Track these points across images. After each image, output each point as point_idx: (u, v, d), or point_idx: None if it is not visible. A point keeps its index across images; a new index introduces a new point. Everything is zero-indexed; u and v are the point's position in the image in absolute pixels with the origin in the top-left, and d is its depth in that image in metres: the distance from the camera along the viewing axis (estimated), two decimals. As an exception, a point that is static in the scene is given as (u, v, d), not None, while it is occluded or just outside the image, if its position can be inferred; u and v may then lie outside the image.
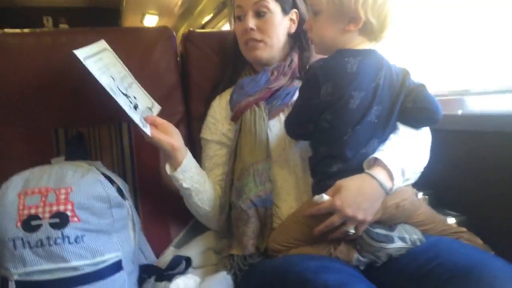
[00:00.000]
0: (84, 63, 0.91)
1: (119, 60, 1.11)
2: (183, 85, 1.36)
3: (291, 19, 1.18)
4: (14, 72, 1.16)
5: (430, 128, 1.02)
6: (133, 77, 1.13)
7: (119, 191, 1.04)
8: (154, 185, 1.22)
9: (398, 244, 0.89)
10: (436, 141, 1.01)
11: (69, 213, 0.92)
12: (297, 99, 0.98)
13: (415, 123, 0.97)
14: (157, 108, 1.16)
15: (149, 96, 1.15)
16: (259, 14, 1.12)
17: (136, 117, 0.98)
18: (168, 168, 1.07)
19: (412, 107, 0.94)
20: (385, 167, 0.88)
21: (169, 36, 1.33)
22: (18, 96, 1.17)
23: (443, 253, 0.82)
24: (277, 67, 1.15)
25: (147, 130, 1.00)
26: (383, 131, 0.93)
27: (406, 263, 0.86)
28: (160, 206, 1.23)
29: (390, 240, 0.89)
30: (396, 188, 0.89)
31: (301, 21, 1.18)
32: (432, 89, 0.98)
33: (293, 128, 1.00)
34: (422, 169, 0.96)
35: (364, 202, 0.87)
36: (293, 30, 1.19)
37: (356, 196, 0.86)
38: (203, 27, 4.34)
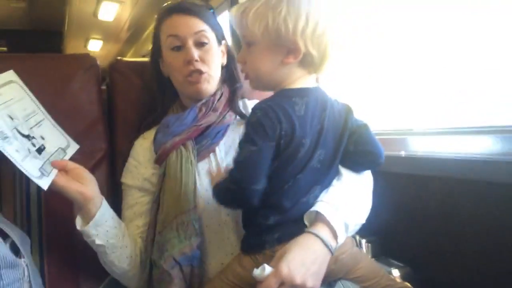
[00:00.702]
0: None
1: (29, 93, 0.98)
2: (108, 120, 1.23)
3: (222, 51, 1.10)
4: None
5: (372, 170, 0.95)
6: (45, 113, 1.00)
7: (13, 247, 0.87)
8: (64, 238, 1.04)
9: (337, 302, 0.79)
10: (378, 183, 0.94)
11: None
12: (242, 150, 0.78)
13: (357, 167, 0.90)
14: (73, 147, 1.02)
15: (65, 134, 1.02)
16: (200, 44, 1.03)
17: (29, 165, 0.86)
18: (78, 222, 0.93)
19: (354, 150, 0.87)
20: (327, 224, 0.78)
21: (92, 65, 1.19)
22: None
23: None
24: (206, 102, 1.05)
25: (45, 181, 0.87)
26: (325, 177, 0.84)
27: None
28: (70, 263, 1.05)
29: (329, 299, 0.79)
30: (339, 243, 0.79)
31: (228, 52, 1.12)
32: (373, 127, 0.90)
33: (242, 191, 0.77)
34: (364, 220, 0.87)
35: (312, 265, 0.75)
36: (225, 61, 1.10)
37: (303, 259, 0.75)
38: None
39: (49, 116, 1.00)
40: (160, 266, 0.90)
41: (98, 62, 1.21)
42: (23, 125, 0.91)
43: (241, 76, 0.96)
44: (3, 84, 0.92)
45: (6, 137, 0.84)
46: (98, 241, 0.93)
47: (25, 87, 0.97)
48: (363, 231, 0.91)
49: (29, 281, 0.89)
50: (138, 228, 1.02)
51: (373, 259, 1.10)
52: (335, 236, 0.78)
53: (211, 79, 1.04)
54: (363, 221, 0.87)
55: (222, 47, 1.10)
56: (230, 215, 0.97)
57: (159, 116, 1.09)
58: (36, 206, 1.05)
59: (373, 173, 0.95)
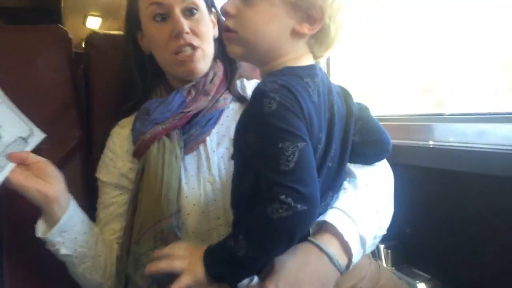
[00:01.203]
0: None
1: None
2: (85, 103, 1.06)
3: (212, 21, 0.92)
4: None
5: (391, 162, 0.78)
6: (2, 94, 0.83)
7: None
8: (29, 245, 0.86)
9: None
10: (401, 178, 0.78)
11: None
12: (283, 153, 0.55)
13: (367, 160, 0.74)
14: (37, 137, 0.85)
15: (27, 121, 0.85)
16: (190, 13, 0.85)
17: None
18: (40, 227, 0.77)
19: (360, 140, 0.71)
20: (339, 237, 0.62)
21: (62, 38, 1.01)
22: None
23: None
24: (196, 84, 0.87)
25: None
26: (337, 178, 0.67)
27: None
28: (36, 274, 0.88)
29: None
30: (354, 264, 0.63)
31: (220, 22, 0.92)
32: (396, 112, 0.73)
33: (314, 206, 0.55)
34: (385, 231, 0.70)
35: (308, 285, 0.59)
36: (216, 34, 0.92)
37: (298, 278, 0.59)
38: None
39: (6, 98, 0.83)
40: (135, 283, 0.75)
41: (70, 35, 1.03)
42: None
43: None
44: None
45: None
46: (64, 251, 0.78)
47: None
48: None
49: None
50: (114, 233, 0.86)
51: (393, 269, 0.94)
52: (347, 252, 0.62)
53: (206, 55, 0.87)
54: (384, 231, 0.70)
55: (212, 16, 0.92)
56: (221, 218, 0.80)
57: (140, 101, 0.92)
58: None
59: (394, 166, 0.78)
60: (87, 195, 0.94)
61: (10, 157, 0.75)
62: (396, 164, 0.79)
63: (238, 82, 0.96)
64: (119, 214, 0.87)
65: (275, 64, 0.64)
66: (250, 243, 0.54)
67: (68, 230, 0.78)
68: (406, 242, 0.94)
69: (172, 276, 0.73)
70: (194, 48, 0.84)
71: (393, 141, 0.93)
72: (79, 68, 1.06)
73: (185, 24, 0.83)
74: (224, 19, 0.66)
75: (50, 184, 0.76)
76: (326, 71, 1.35)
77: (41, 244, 0.81)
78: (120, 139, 0.91)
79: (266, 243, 0.55)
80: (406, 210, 0.80)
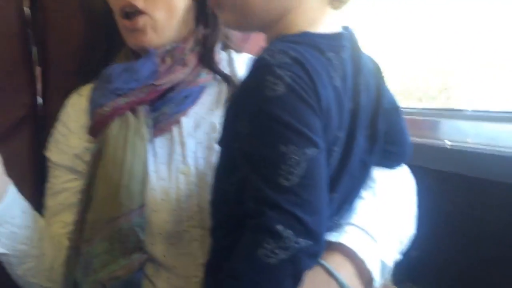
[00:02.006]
0: None
1: None
2: (36, 62, 0.87)
3: None
4: None
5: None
6: None
7: None
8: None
9: None
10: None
11: None
12: (288, 159, 0.41)
13: (386, 163, 0.59)
14: None
15: None
16: None
17: None
18: None
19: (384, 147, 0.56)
20: (353, 258, 0.49)
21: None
22: None
23: None
24: (172, 50, 0.70)
25: None
26: (356, 190, 0.53)
27: None
28: None
29: None
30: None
31: None
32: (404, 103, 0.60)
33: (319, 228, 0.42)
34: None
35: None
36: None
37: None
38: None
39: None
40: None
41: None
42: None
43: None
44: None
45: None
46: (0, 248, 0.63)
47: None
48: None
49: None
50: (65, 226, 0.71)
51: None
52: (364, 276, 0.49)
53: (158, 24, 0.68)
54: (402, 252, 0.57)
55: None
56: (195, 218, 0.66)
57: (103, 62, 0.74)
58: None
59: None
60: (37, 179, 0.78)
61: None
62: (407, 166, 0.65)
63: (223, 55, 0.79)
64: (71, 204, 0.71)
65: (285, 25, 0.48)
66: None
67: (4, 223, 0.62)
68: (412, 257, 0.81)
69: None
70: (140, 14, 0.66)
71: None
72: (30, 22, 0.86)
73: None
74: None
75: None
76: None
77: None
78: (76, 110, 0.74)
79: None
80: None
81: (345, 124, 0.47)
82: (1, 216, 0.62)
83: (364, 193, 0.54)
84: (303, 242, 0.38)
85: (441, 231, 0.81)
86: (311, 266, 0.41)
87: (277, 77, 0.41)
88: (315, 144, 0.41)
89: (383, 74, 0.55)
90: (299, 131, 0.40)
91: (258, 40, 0.59)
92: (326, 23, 0.49)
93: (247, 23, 0.51)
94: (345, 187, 0.49)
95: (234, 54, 0.80)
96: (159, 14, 0.68)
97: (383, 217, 0.53)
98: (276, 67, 0.41)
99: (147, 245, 0.63)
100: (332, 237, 0.49)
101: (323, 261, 0.48)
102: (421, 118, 0.92)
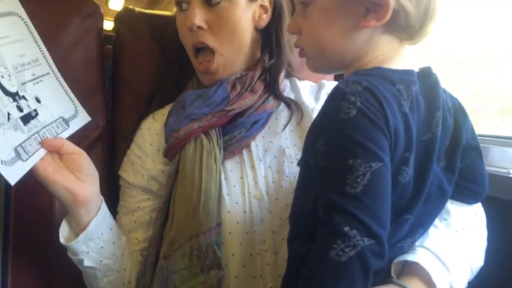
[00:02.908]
0: None
1: (35, 33, 0.71)
2: (111, 88, 0.94)
3: (262, 6, 0.77)
4: None
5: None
6: (53, 65, 0.73)
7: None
8: (37, 242, 0.76)
9: None
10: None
11: None
12: (354, 171, 0.45)
13: (462, 199, 0.61)
14: (82, 119, 0.75)
15: (74, 99, 0.75)
16: (208, 2, 0.71)
17: (1, 142, 0.59)
18: (63, 233, 0.66)
19: (460, 183, 0.58)
20: (428, 281, 0.50)
21: (92, 12, 0.89)
22: None
23: None
24: (241, 78, 0.75)
25: (17, 168, 0.60)
26: (432, 214, 0.55)
27: None
28: (43, 276, 0.77)
29: None
30: None
31: (276, 10, 0.78)
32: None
33: (381, 237, 0.45)
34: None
35: None
36: (263, 23, 0.78)
37: None
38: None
39: (57, 71, 0.73)
40: None
41: (101, 10, 0.91)
42: (13, 77, 0.65)
43: (288, 46, 0.69)
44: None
45: None
46: (88, 262, 0.67)
47: (30, 23, 0.70)
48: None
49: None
50: (138, 243, 0.75)
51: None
52: None
53: (227, 62, 0.74)
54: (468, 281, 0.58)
55: (261, 1, 0.77)
56: (267, 242, 0.68)
57: (176, 89, 0.80)
58: (3, 198, 0.78)
59: None
60: (110, 195, 0.82)
61: (43, 144, 0.64)
62: None
63: (286, 83, 0.83)
64: (144, 222, 0.75)
65: (361, 64, 0.54)
66: None
67: (94, 238, 0.67)
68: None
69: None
70: (207, 47, 0.73)
71: None
72: (104, 49, 0.93)
73: (198, 16, 0.71)
74: None
75: (82, 182, 0.65)
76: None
77: (51, 247, 0.70)
78: (151, 134, 0.79)
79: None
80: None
81: (418, 150, 0.50)
82: (93, 232, 0.66)
83: (439, 223, 0.56)
84: (366, 240, 0.43)
85: (501, 256, 0.80)
86: (377, 265, 0.44)
87: (351, 102, 0.46)
88: (380, 159, 0.45)
89: (465, 113, 0.58)
90: (367, 147, 0.45)
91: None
92: (398, 60, 0.54)
93: (329, 67, 0.59)
94: (420, 211, 0.52)
95: (297, 81, 0.84)
96: (228, 51, 0.73)
97: (455, 247, 0.55)
98: (350, 95, 0.47)
99: (225, 263, 0.66)
100: (409, 257, 0.51)
101: (403, 283, 0.50)
102: (486, 145, 0.92)
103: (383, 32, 0.53)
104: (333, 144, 0.47)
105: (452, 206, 0.57)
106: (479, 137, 0.62)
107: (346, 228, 0.43)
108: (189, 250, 0.64)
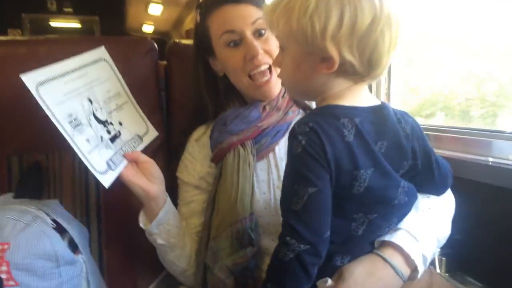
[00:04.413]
0: (34, 92, 0.76)
1: (117, 73, 0.94)
2: (166, 106, 1.19)
3: None
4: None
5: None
6: (130, 95, 0.96)
7: (71, 243, 0.88)
8: (123, 227, 1.04)
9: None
10: (458, 191, 0.84)
11: (3, 275, 0.76)
12: (296, 194, 0.63)
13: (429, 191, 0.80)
14: (151, 135, 0.98)
15: (146, 119, 0.98)
16: (259, 34, 0.91)
17: (96, 158, 0.82)
18: (141, 220, 0.92)
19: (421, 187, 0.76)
20: (401, 252, 0.70)
21: (149, 49, 1.14)
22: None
23: None
24: (270, 102, 0.95)
25: (109, 176, 0.83)
26: (405, 210, 0.74)
27: None
28: (128, 252, 1.06)
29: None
30: (418, 275, 0.71)
31: None
32: (457, 124, 0.78)
33: (316, 246, 0.63)
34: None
35: None
36: None
37: (364, 285, 0.68)
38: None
39: (132, 98, 0.96)
40: (214, 274, 0.86)
41: (156, 46, 1.15)
42: (103, 109, 0.88)
43: None
44: (92, 63, 0.89)
45: (78, 125, 0.81)
46: (159, 241, 0.92)
47: (114, 66, 0.94)
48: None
49: (87, 277, 0.89)
50: (195, 227, 0.98)
51: (447, 275, 1.00)
52: (409, 265, 0.70)
53: (288, 88, 0.84)
54: (439, 248, 0.78)
55: None
56: None
57: (214, 107, 1.00)
58: (95, 196, 1.05)
59: (454, 180, 0.82)
60: (169, 190, 1.07)
61: (125, 156, 0.88)
62: (454, 177, 0.83)
63: None
64: (198, 211, 0.98)
65: (320, 99, 0.69)
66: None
67: (163, 223, 0.91)
68: (461, 251, 0.99)
69: (248, 270, 0.85)
70: (269, 69, 0.89)
71: (452, 154, 0.97)
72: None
73: (258, 46, 0.88)
74: None
75: (152, 183, 0.89)
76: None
77: (132, 231, 0.96)
78: (199, 145, 1.01)
79: (287, 284, 0.63)
80: (463, 222, 0.85)
81: (368, 163, 0.64)
82: (162, 218, 0.90)
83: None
84: (303, 246, 0.61)
85: (482, 228, 0.98)
86: (314, 262, 0.62)
87: (298, 141, 0.62)
88: (315, 185, 0.61)
89: (423, 137, 0.74)
90: (306, 176, 0.61)
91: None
92: (353, 97, 0.67)
93: (301, 97, 0.80)
94: (392, 209, 0.70)
95: None
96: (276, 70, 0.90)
97: (424, 224, 0.73)
98: (299, 135, 0.62)
99: (256, 241, 0.87)
100: (386, 237, 0.71)
101: (379, 252, 0.70)
102: (469, 137, 1.10)
103: (336, 76, 0.65)
104: (287, 172, 0.65)
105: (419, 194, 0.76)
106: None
107: (288, 238, 0.61)
108: (230, 233, 0.86)
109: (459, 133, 1.12)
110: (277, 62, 0.71)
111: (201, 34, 0.96)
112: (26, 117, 0.97)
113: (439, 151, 0.92)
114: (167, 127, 1.17)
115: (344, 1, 0.60)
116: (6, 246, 0.77)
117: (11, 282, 0.75)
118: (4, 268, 0.75)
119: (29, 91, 0.74)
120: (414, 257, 0.69)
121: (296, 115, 0.98)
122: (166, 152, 1.15)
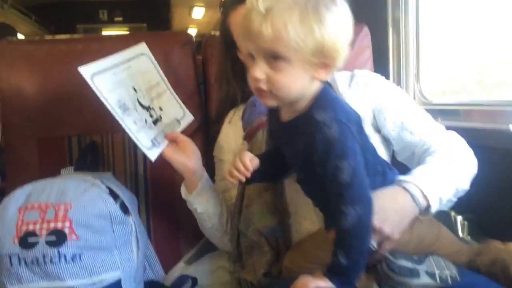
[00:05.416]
0: (90, 81, 0.87)
1: (157, 65, 1.06)
2: (204, 92, 1.31)
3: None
4: (27, 78, 1.16)
5: (475, 144, 0.91)
6: (168, 84, 1.07)
7: (123, 207, 1.00)
8: (167, 198, 1.17)
9: (424, 280, 0.75)
10: (482, 158, 0.90)
11: (67, 230, 0.89)
12: (347, 162, 0.68)
13: None
14: (188, 118, 1.09)
15: (182, 105, 1.09)
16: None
17: (143, 136, 0.94)
18: (183, 191, 1.04)
19: None
20: (420, 187, 0.80)
21: (187, 41, 1.27)
22: (31, 102, 1.16)
23: None
24: None
25: (154, 151, 0.94)
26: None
27: None
28: (172, 220, 1.18)
29: (415, 274, 0.76)
30: (432, 211, 0.82)
31: None
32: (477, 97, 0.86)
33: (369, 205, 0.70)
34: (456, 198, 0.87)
35: (393, 214, 0.77)
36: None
37: (385, 205, 0.76)
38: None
39: (170, 87, 1.07)
40: (248, 237, 0.95)
41: (194, 39, 1.28)
42: (145, 96, 0.98)
43: None
44: (134, 57, 1.01)
45: (126, 109, 0.93)
46: (199, 209, 1.02)
47: (153, 59, 1.05)
48: (460, 207, 0.91)
49: (136, 236, 1.02)
50: (230, 199, 1.08)
51: (470, 238, 1.05)
52: (426, 199, 0.80)
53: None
54: (455, 199, 0.87)
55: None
56: None
57: (242, 94, 1.10)
58: (143, 171, 1.20)
59: (477, 148, 0.90)
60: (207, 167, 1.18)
61: (167, 137, 0.98)
62: (478, 146, 0.91)
63: None
64: (232, 185, 1.07)
65: (302, 100, 0.73)
66: (348, 254, 0.67)
67: (202, 194, 1.01)
68: (483, 215, 1.04)
69: (278, 231, 0.93)
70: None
71: (475, 124, 1.03)
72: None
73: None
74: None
75: (190, 159, 0.99)
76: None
77: (176, 199, 1.07)
78: (232, 125, 1.12)
79: (357, 246, 0.68)
80: (485, 187, 0.91)
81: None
82: (201, 190, 1.01)
83: (428, 158, 0.87)
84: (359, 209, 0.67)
85: (505, 193, 1.03)
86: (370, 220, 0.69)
87: (329, 127, 0.68)
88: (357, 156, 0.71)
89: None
90: (353, 149, 0.70)
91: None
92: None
93: (282, 104, 0.74)
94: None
95: (335, 73, 1.09)
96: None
97: (441, 170, 0.84)
98: (329, 120, 0.69)
99: (285, 205, 0.95)
100: (407, 176, 0.82)
101: (401, 183, 0.80)
102: (492, 108, 1.15)
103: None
104: (324, 158, 0.70)
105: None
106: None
107: (349, 208, 0.67)
108: (261, 202, 0.94)
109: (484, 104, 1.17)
110: (264, 73, 0.68)
111: (225, 31, 1.06)
112: (83, 104, 1.12)
113: (468, 124, 1.01)
114: (205, 111, 1.29)
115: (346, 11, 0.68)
116: (69, 207, 0.92)
117: (73, 236, 0.89)
118: (67, 224, 0.89)
119: (85, 81, 0.86)
120: (428, 194, 0.79)
121: None
122: (203, 135, 1.26)
